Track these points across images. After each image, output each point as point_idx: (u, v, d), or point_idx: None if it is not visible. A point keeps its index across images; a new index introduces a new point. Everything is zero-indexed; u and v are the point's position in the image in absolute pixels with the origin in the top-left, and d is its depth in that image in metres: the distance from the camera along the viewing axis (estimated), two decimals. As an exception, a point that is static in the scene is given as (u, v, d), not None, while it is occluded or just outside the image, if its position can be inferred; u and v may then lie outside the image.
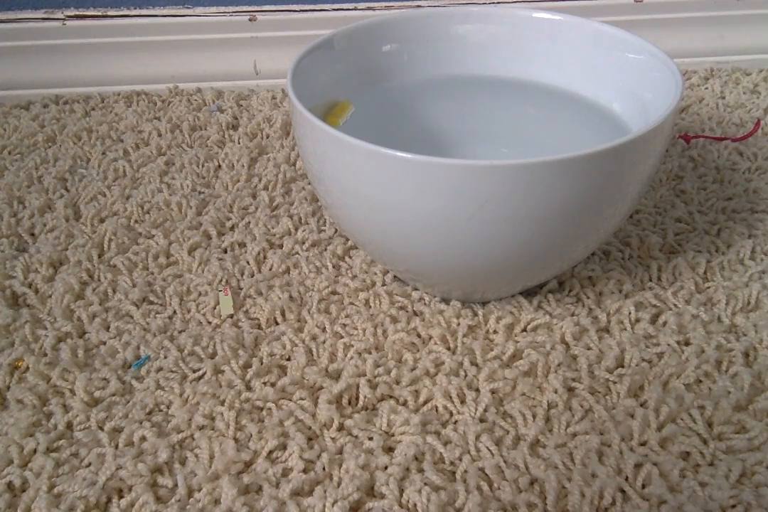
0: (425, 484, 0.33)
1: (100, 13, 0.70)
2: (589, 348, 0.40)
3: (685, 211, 0.51)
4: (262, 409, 0.38)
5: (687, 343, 0.41)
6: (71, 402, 0.38)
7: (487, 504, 0.32)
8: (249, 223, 0.52)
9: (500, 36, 0.48)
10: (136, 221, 0.53)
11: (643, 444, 0.35)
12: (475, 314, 0.43)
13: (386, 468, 0.34)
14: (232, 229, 0.52)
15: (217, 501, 0.33)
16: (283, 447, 0.35)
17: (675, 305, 0.43)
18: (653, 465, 0.34)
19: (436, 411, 0.37)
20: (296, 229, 0.51)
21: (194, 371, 0.40)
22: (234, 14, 0.70)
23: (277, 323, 0.43)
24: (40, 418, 0.37)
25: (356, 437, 0.36)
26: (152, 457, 0.35)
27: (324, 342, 0.41)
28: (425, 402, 0.38)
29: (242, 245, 0.50)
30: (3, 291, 0.46)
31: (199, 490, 0.34)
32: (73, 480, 0.34)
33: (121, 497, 0.34)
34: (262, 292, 0.45)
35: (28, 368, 0.40)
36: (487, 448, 0.35)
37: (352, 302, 0.44)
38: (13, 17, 0.69)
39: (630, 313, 0.42)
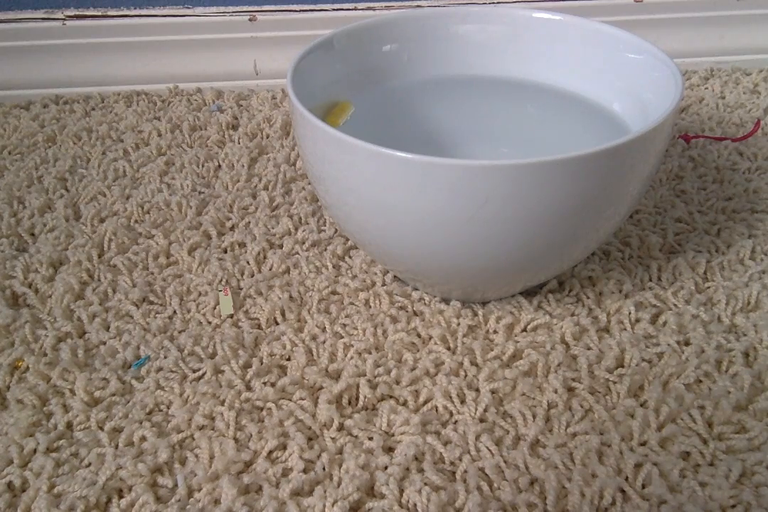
0: (425, 484, 0.33)
1: (100, 13, 0.70)
2: (589, 348, 0.40)
3: (685, 211, 0.51)
4: (262, 409, 0.38)
5: (687, 343, 0.41)
6: (71, 402, 0.38)
7: (487, 504, 0.32)
8: (249, 223, 0.52)
9: (500, 36, 0.48)
10: (136, 221, 0.53)
11: (643, 444, 0.35)
12: (475, 314, 0.43)
13: (386, 468, 0.34)
14: (232, 229, 0.52)
15: (217, 501, 0.33)
16: (283, 447, 0.35)
17: (675, 305, 0.43)
18: (653, 465, 0.34)
19: (436, 411, 0.37)
20: (296, 229, 0.51)
21: (194, 371, 0.40)
22: (234, 14, 0.70)
23: (277, 323, 0.43)
24: (40, 418, 0.37)
25: (356, 437, 0.36)
26: (152, 457, 0.35)
27: (324, 342, 0.41)
28: (425, 402, 0.38)
29: (242, 245, 0.50)
30: (3, 291, 0.46)
31: (199, 490, 0.34)
32: (73, 480, 0.34)
33: (121, 497, 0.34)
34: (262, 292, 0.45)
35: (28, 368, 0.40)
36: (487, 448, 0.35)
37: (352, 302, 0.44)
38: (13, 17, 0.69)
39: (630, 313, 0.42)
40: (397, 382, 0.39)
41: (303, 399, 0.38)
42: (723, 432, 0.36)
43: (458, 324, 0.42)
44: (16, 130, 0.65)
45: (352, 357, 0.40)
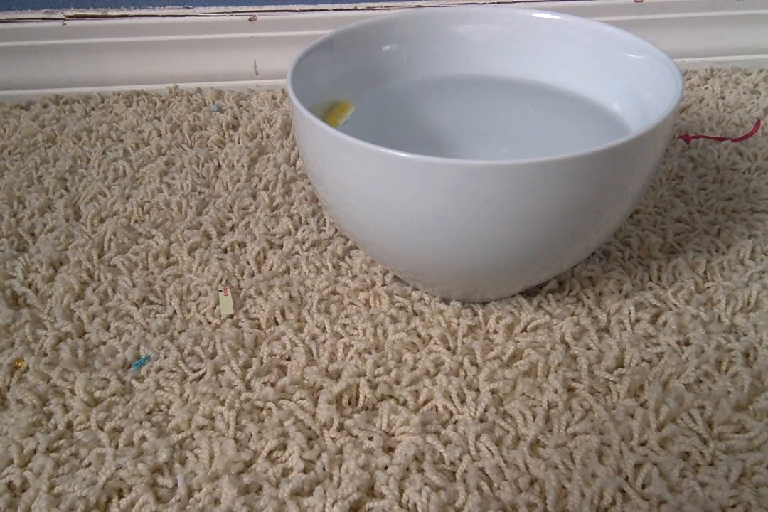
0: (425, 484, 0.33)
1: (100, 13, 0.70)
2: (589, 348, 0.40)
3: (685, 211, 0.51)
4: (262, 409, 0.38)
5: (687, 343, 0.41)
6: (71, 402, 0.38)
7: (487, 504, 0.32)
8: (249, 223, 0.52)
9: (500, 36, 0.48)
10: (136, 221, 0.53)
11: (643, 444, 0.35)
12: (475, 314, 0.43)
13: (386, 468, 0.34)
14: (232, 229, 0.52)
15: (217, 501, 0.33)
16: (283, 447, 0.35)
17: (675, 305, 0.43)
18: (653, 465, 0.34)
19: (436, 411, 0.37)
20: (296, 229, 0.51)
21: (194, 371, 0.40)
22: (234, 14, 0.70)
23: (277, 323, 0.43)
24: (40, 418, 0.37)
25: (356, 437, 0.36)
26: (152, 457, 0.35)
27: (324, 342, 0.41)
28: (425, 402, 0.38)
29: (242, 245, 0.50)
30: (3, 291, 0.46)
31: (199, 490, 0.34)
32: (73, 480, 0.34)
33: (121, 497, 0.34)
34: (262, 292, 0.45)
35: (28, 368, 0.40)
36: (487, 448, 0.35)
37: (352, 302, 0.44)
38: (13, 17, 0.69)
39: (630, 313, 0.42)
40: (397, 382, 0.39)
41: (303, 399, 0.38)
42: (723, 432, 0.36)
43: (458, 324, 0.42)
44: (16, 130, 0.65)
45: (352, 357, 0.40)
